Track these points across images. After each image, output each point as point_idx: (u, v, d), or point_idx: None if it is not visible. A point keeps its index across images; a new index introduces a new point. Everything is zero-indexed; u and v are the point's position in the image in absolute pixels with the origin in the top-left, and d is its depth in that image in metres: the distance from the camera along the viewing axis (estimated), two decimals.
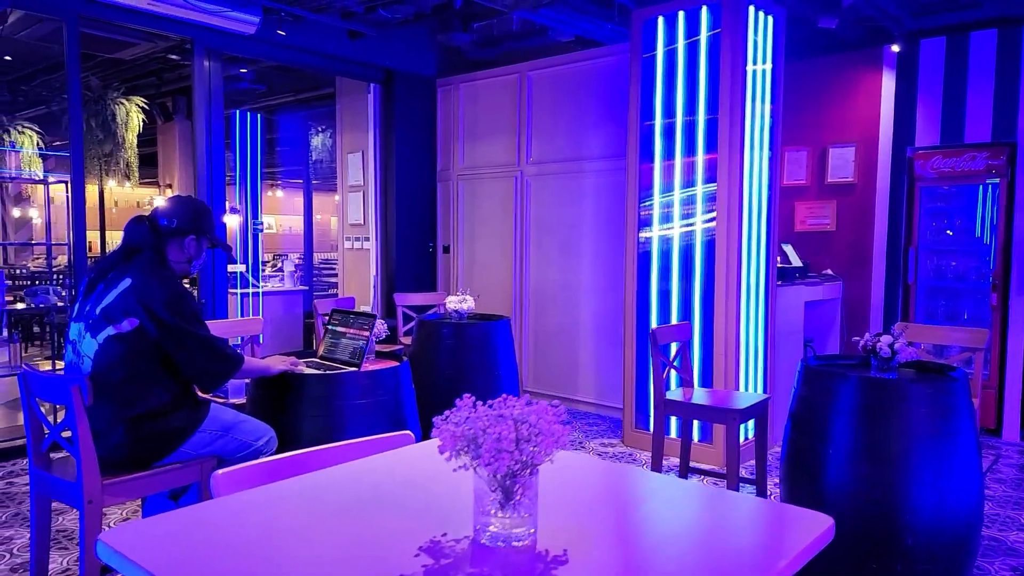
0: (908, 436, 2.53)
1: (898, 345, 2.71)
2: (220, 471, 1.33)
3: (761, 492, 3.33)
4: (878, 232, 5.56)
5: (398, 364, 2.94)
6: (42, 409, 2.37)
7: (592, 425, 5.29)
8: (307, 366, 2.99)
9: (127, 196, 12.92)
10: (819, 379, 2.75)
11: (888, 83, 5.44)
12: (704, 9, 4.27)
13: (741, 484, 3.52)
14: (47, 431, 2.31)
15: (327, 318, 3.21)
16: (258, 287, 6.34)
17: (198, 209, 2.54)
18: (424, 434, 3.58)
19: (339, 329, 3.07)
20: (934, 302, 5.49)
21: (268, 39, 5.27)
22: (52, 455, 2.42)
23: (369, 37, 5.74)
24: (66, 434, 2.24)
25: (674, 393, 3.44)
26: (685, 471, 3.66)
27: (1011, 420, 4.99)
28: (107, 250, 9.18)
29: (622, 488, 1.40)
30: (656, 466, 3.42)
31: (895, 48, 5.33)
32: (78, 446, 2.15)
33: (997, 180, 5.01)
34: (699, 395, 3.44)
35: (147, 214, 2.51)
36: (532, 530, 1.07)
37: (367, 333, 2.90)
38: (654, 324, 4.59)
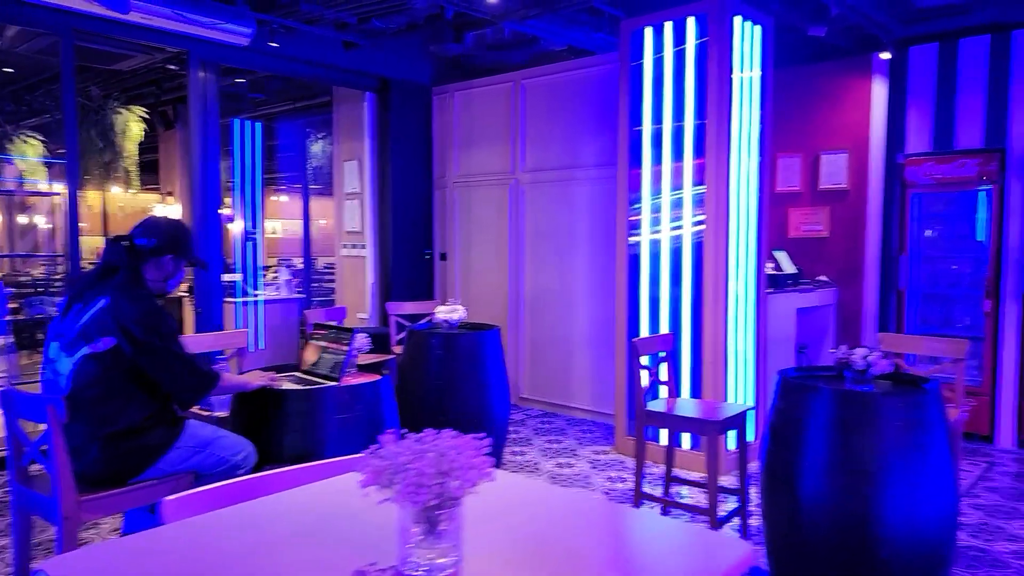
0: (881, 449, 2.53)
1: (872, 358, 2.72)
2: (169, 497, 1.36)
3: (742, 502, 3.33)
4: (871, 238, 5.54)
5: (378, 378, 2.97)
6: (28, 425, 2.41)
7: (586, 432, 5.30)
8: (289, 380, 3.02)
9: (132, 202, 13.04)
10: (795, 392, 2.76)
11: (878, 90, 5.43)
12: (690, 20, 4.29)
13: (724, 495, 3.53)
14: (26, 448, 2.36)
15: (311, 331, 3.25)
16: (256, 296, 6.40)
17: (176, 229, 2.58)
18: None
19: (320, 343, 3.11)
20: (929, 309, 5.47)
21: (263, 50, 5.32)
22: (35, 467, 2.46)
23: (363, 47, 5.78)
24: (45, 448, 2.28)
25: (657, 404, 3.45)
26: (668, 481, 3.67)
27: (1004, 427, 4.96)
28: None
29: (559, 515, 1.42)
30: (638, 476, 3.43)
31: (884, 55, 5.32)
32: (55, 464, 2.19)
33: (990, 187, 4.99)
34: (681, 406, 3.45)
35: (125, 234, 2.55)
36: (456, 560, 1.10)
37: (347, 347, 2.93)
38: (645, 331, 4.60)
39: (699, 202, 4.34)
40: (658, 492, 3.81)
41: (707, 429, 3.12)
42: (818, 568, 2.69)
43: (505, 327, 6.05)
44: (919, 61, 5.33)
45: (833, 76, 5.58)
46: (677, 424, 3.27)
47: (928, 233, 5.45)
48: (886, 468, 2.52)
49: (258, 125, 7.21)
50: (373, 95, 6.37)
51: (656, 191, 4.53)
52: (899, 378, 2.89)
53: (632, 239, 4.65)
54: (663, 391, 3.67)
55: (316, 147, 8.61)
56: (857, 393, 2.62)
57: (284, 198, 17.67)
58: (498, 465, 4.17)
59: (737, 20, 4.25)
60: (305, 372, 3.13)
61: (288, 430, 2.79)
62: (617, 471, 4.42)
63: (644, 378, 3.42)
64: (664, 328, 4.52)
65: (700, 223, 4.33)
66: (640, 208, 4.61)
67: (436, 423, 4.08)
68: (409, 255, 6.48)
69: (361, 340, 3.04)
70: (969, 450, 4.86)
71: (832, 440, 2.62)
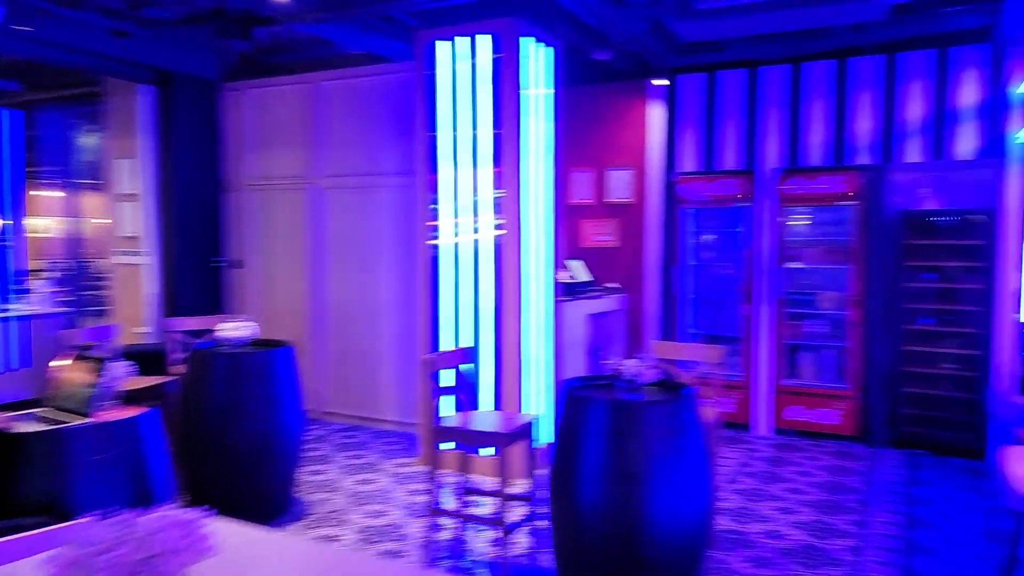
0: (646, 453, 2.74)
1: (640, 369, 2.94)
2: None
3: (532, 509, 3.46)
4: (653, 249, 6.02)
5: (140, 412, 2.69)
6: None
7: (393, 444, 5.24)
8: (32, 418, 2.65)
9: None
10: (575, 402, 2.91)
11: (656, 112, 5.92)
12: (481, 37, 4.39)
13: (516, 503, 3.65)
14: None
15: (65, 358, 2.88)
16: (6, 311, 5.56)
17: None
18: (181, 487, 3.30)
19: (74, 372, 2.76)
20: (706, 312, 6.06)
21: (9, 32, 4.64)
22: None
23: (138, 36, 5.24)
24: None
25: (451, 418, 3.48)
26: (466, 492, 3.73)
27: (761, 416, 5.64)
28: None
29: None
30: (432, 492, 3.44)
31: (658, 81, 5.82)
32: None
33: (747, 204, 5.63)
34: (475, 419, 3.51)
35: None
36: None
37: (99, 378, 2.63)
38: (448, 340, 4.63)
39: (496, 211, 4.46)
40: (461, 503, 3.85)
41: (496, 441, 3.20)
42: (596, 569, 2.86)
43: (308, 338, 5.82)
44: (688, 88, 5.88)
45: (619, 97, 6.00)
46: (469, 439, 3.32)
47: (706, 237, 6.05)
48: (650, 471, 2.74)
49: (11, 114, 6.30)
50: (152, 88, 5.81)
51: (454, 199, 4.59)
52: (666, 385, 3.15)
53: (432, 246, 4.68)
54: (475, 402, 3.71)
55: (87, 140, 7.70)
56: (624, 402, 2.81)
57: (61, 194, 15.68)
58: (294, 487, 4.00)
59: (527, 41, 4.41)
60: (55, 407, 2.76)
61: (27, 477, 2.44)
62: (420, 483, 4.41)
63: (438, 394, 3.43)
64: (466, 336, 4.58)
65: (497, 231, 4.45)
66: (439, 216, 4.64)
67: (222, 448, 3.77)
68: (196, 263, 6.00)
69: (120, 369, 2.74)
70: (732, 438, 5.46)
71: (605, 447, 2.79)
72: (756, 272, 5.62)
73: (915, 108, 5.15)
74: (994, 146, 4.90)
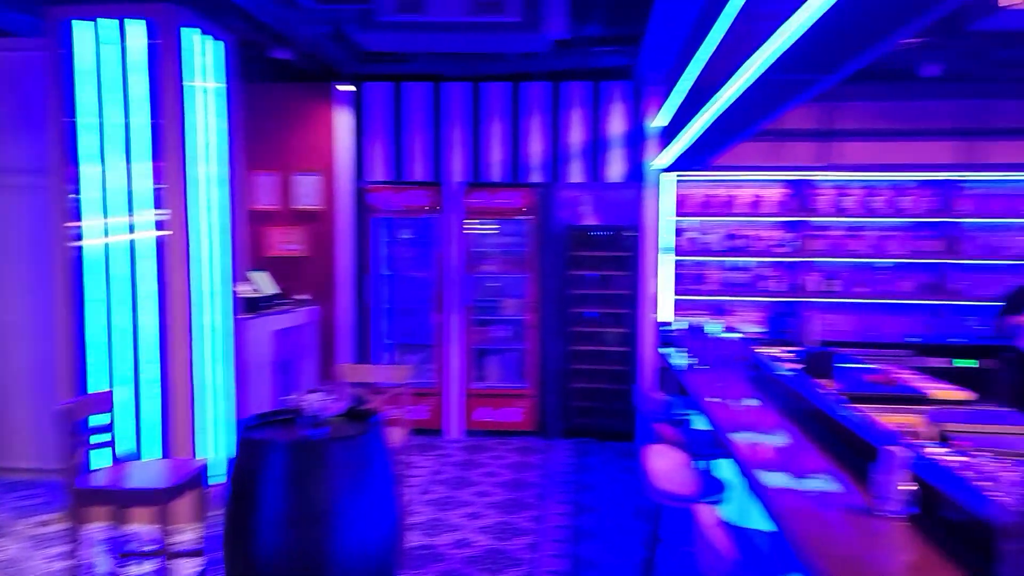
0: (331, 492, 2.61)
1: (325, 402, 2.79)
2: None
3: (205, 564, 3.11)
4: (345, 258, 5.88)
5: None
6: None
7: (30, 499, 4.34)
8: None
9: None
10: (250, 446, 2.66)
11: (343, 118, 5.78)
12: (132, 22, 3.82)
13: (184, 559, 3.25)
14: None
15: None
16: None
17: None
18: None
19: None
20: (398, 321, 6.09)
21: None
22: None
23: None
24: None
25: (101, 474, 2.95)
26: (120, 554, 3.21)
27: (453, 420, 5.85)
28: None
29: None
30: (80, 556, 2.89)
31: (344, 87, 5.69)
32: None
33: (436, 215, 5.78)
34: (130, 472, 3.02)
35: None
36: None
37: None
38: (100, 366, 3.94)
39: (158, 207, 3.90)
40: (117, 565, 3.30)
41: (157, 500, 2.79)
42: None
43: None
44: (375, 97, 5.84)
45: (304, 99, 5.72)
46: (122, 500, 2.84)
47: (402, 239, 6.06)
48: (335, 509, 2.61)
49: None
50: None
51: (103, 195, 3.90)
52: (354, 413, 3.03)
53: (76, 250, 3.92)
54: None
55: None
56: (305, 442, 2.64)
57: None
58: None
59: (190, 33, 3.94)
60: None
61: None
62: (65, 545, 3.69)
63: (84, 446, 2.88)
64: (122, 364, 3.94)
65: (160, 232, 3.90)
66: (83, 215, 3.91)
67: None
68: None
69: None
70: (425, 445, 5.58)
71: (286, 491, 2.60)
72: (447, 281, 5.80)
73: (576, 133, 5.75)
74: (636, 171, 5.69)
